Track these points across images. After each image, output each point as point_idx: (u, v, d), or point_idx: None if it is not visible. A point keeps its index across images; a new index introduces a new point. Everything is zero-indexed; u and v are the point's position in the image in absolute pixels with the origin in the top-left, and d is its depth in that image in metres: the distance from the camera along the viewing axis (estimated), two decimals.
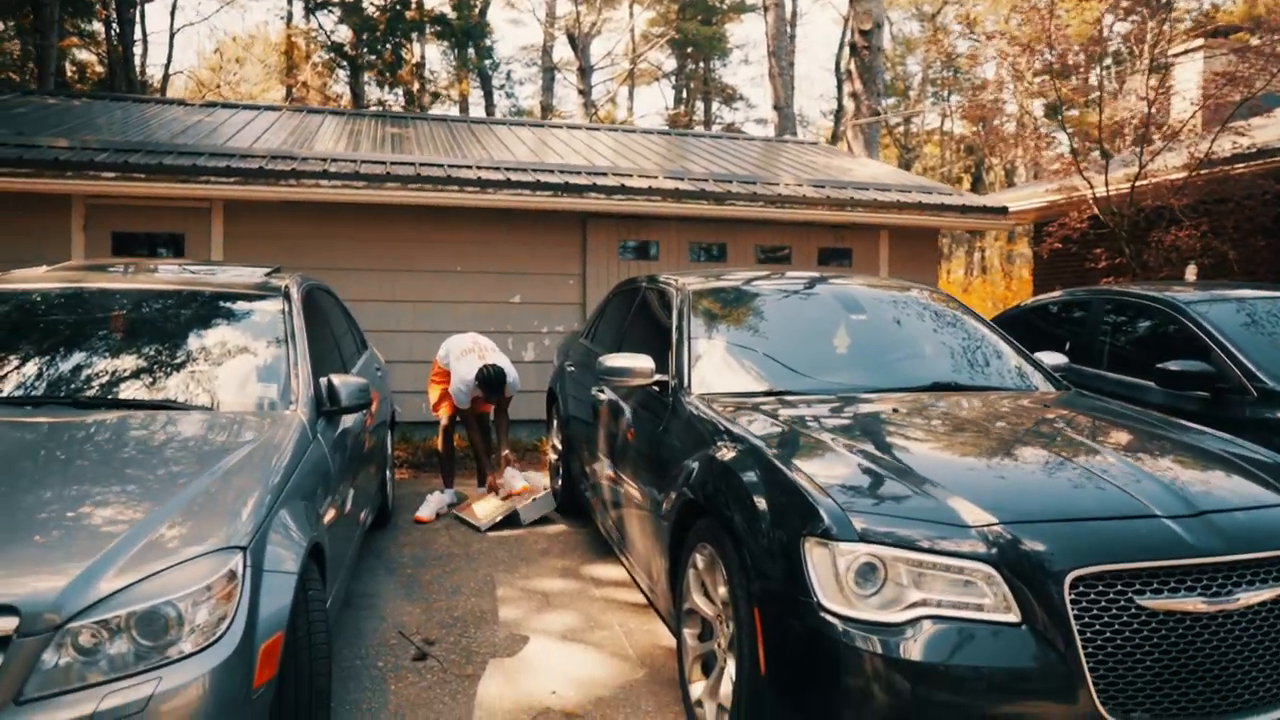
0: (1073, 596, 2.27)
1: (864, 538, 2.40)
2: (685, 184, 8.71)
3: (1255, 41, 9.10)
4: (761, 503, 2.73)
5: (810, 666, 2.41)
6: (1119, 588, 2.30)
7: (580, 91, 27.51)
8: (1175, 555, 2.35)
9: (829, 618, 2.36)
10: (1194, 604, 2.31)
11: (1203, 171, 8.45)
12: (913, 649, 2.27)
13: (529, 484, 6.16)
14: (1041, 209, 10.69)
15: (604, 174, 8.72)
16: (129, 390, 3.41)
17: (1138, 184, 8.71)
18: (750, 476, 2.86)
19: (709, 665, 3.07)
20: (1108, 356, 5.72)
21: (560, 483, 6.15)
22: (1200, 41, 11.03)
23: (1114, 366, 5.60)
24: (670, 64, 34.80)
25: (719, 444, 3.19)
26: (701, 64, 34.66)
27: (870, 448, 2.93)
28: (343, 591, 3.83)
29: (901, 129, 34.59)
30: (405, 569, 5.00)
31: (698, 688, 3.09)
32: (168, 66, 26.23)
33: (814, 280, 4.76)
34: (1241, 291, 5.59)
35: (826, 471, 2.75)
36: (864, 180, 9.99)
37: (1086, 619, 2.28)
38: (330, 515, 3.38)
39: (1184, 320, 5.22)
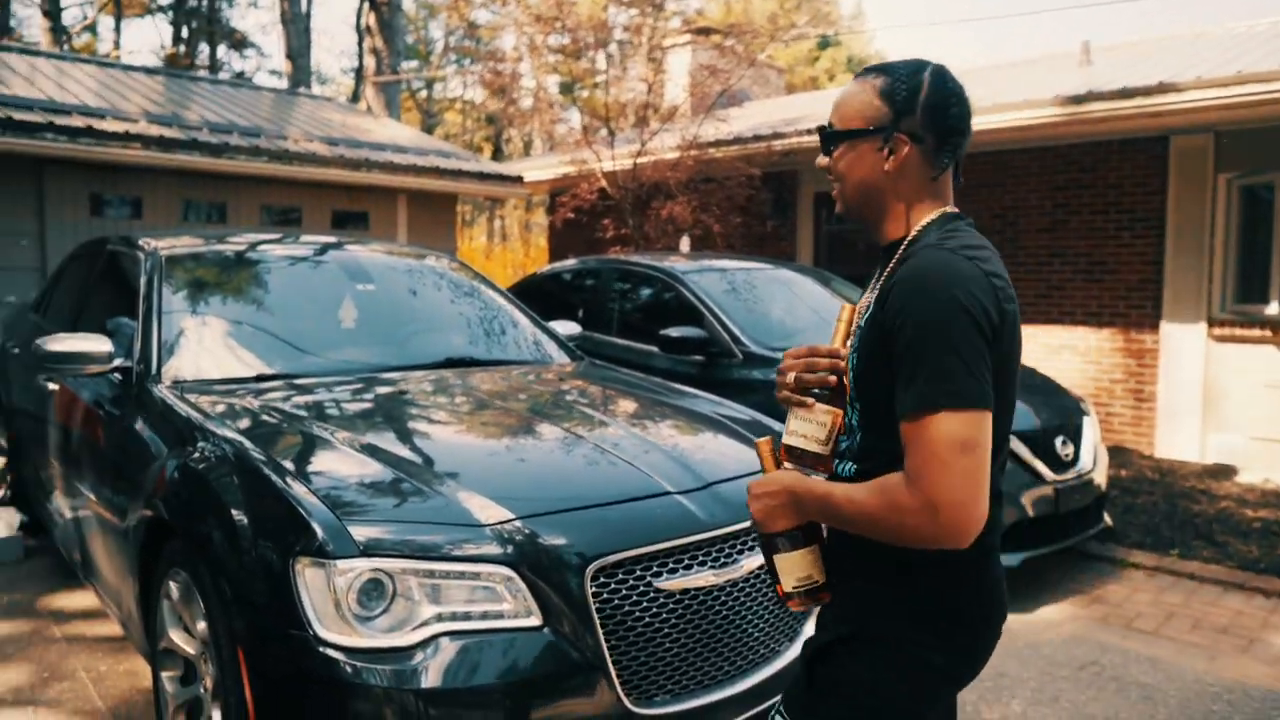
0: (594, 589, 2.14)
1: (366, 551, 2.05)
2: (174, 131, 7.52)
3: (730, 43, 10.21)
4: (242, 517, 2.24)
5: (310, 713, 2.02)
6: (638, 573, 2.22)
7: (46, 13, 23.00)
8: (689, 532, 2.32)
9: (330, 652, 1.98)
10: (706, 578, 2.30)
11: (692, 152, 9.29)
12: (428, 675, 1.97)
13: None
14: (555, 180, 11.05)
15: (68, 113, 7.19)
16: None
17: (639, 160, 9.32)
18: (228, 484, 2.35)
19: (195, 715, 2.52)
20: (618, 323, 5.97)
21: (9, 493, 4.95)
22: (688, 37, 12.17)
23: (623, 333, 5.85)
24: None
25: (193, 445, 2.61)
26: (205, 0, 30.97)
27: (373, 440, 2.57)
28: None
29: (425, 93, 34.18)
30: None
31: None
32: None
33: (321, 246, 4.24)
34: (724, 262, 6.15)
35: (322, 473, 2.35)
36: (382, 140, 9.50)
37: (608, 610, 2.15)
38: None
39: (680, 288, 5.58)
